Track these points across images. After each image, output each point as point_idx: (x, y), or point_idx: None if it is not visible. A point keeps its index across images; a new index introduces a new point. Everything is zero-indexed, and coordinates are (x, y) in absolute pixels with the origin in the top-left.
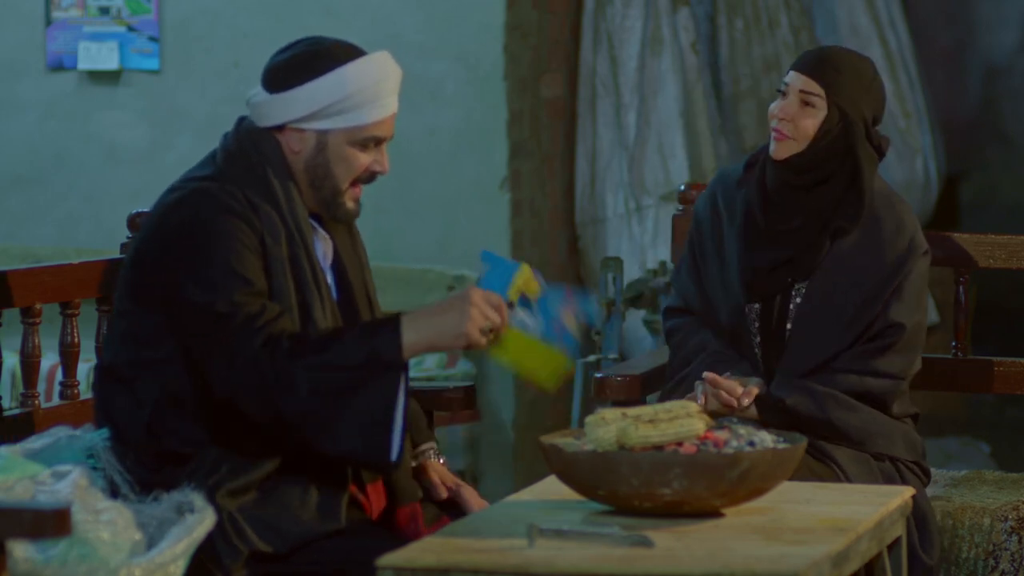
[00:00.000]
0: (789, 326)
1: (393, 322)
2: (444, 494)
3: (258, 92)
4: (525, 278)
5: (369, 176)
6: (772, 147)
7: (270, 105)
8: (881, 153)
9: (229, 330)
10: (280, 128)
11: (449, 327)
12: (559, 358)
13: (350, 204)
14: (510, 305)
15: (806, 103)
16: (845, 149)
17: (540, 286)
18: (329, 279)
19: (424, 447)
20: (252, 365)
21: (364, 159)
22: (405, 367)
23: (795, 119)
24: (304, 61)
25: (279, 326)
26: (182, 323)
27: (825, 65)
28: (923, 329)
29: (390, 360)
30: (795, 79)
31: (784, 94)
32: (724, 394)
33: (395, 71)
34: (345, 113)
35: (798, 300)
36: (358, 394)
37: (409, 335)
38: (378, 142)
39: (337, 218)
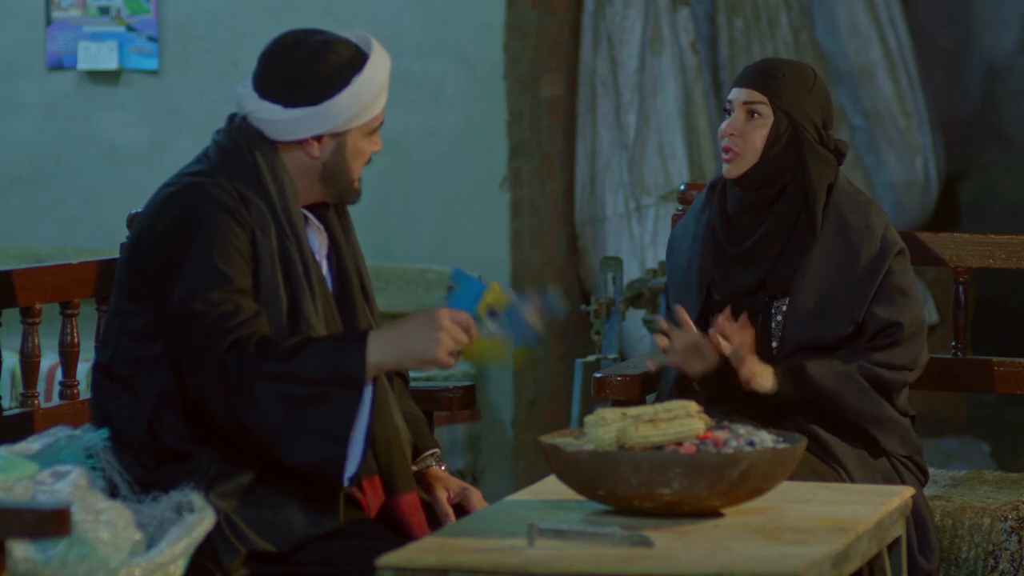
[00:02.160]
0: (775, 344)
1: (360, 339)
2: (448, 510)
3: (267, 107)
4: (494, 294)
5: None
6: (724, 168)
7: (296, 121)
8: (841, 156)
9: (201, 330)
10: (300, 140)
11: (417, 350)
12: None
13: (357, 186)
14: (478, 320)
15: (751, 113)
16: (797, 158)
17: (509, 299)
18: (325, 270)
19: (426, 454)
20: (217, 368)
21: (372, 147)
22: (369, 384)
23: (743, 133)
24: (325, 74)
25: (250, 328)
26: (164, 321)
27: (764, 74)
28: (922, 322)
29: (352, 377)
30: (737, 94)
31: (729, 111)
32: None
33: (388, 59)
34: (363, 113)
35: (779, 318)
36: (316, 408)
37: (374, 354)
38: (378, 127)
39: (348, 202)
